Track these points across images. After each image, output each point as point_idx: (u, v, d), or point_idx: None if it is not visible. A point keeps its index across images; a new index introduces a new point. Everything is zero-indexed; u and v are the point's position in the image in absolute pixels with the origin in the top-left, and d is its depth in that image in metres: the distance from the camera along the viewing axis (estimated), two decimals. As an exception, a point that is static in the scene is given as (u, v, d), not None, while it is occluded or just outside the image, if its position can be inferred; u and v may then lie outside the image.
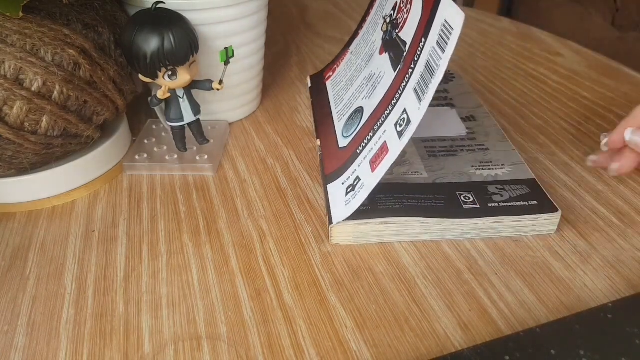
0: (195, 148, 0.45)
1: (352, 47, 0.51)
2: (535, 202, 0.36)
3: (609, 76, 0.58)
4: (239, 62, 0.46)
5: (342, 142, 0.41)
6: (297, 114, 0.52)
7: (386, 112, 0.36)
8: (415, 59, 0.35)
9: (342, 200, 0.36)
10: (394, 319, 0.31)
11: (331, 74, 0.52)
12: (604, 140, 0.40)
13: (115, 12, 0.42)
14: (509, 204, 0.36)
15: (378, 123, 0.37)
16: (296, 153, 0.46)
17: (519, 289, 0.33)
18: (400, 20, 0.41)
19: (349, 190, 0.36)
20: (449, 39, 0.31)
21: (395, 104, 0.36)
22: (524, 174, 0.39)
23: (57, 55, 0.35)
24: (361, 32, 0.50)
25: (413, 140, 0.43)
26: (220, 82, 0.41)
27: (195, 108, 0.42)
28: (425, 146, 0.42)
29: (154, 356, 0.29)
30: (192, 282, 0.33)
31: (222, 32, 0.44)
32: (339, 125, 0.43)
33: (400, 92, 0.36)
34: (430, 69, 0.32)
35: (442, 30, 0.32)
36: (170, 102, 0.41)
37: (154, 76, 0.39)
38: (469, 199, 0.37)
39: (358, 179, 0.36)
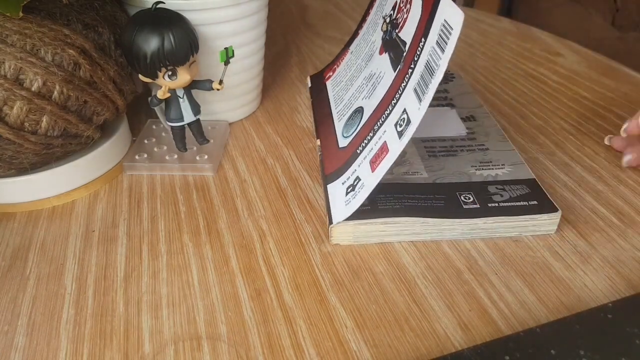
0: (195, 148, 0.45)
1: (352, 47, 0.51)
2: (535, 202, 0.36)
3: (609, 76, 0.58)
4: (239, 62, 0.46)
5: (342, 142, 0.41)
6: (297, 114, 0.52)
7: (386, 112, 0.36)
8: (415, 58, 0.35)
9: (342, 200, 0.36)
10: (394, 319, 0.31)
11: (331, 74, 0.52)
12: (624, 126, 0.42)
13: (115, 12, 0.42)
14: (509, 204, 0.36)
15: (378, 123, 0.37)
16: (296, 153, 0.46)
17: (519, 289, 0.33)
18: (400, 20, 0.41)
19: (349, 190, 0.36)
20: (448, 38, 0.31)
21: (396, 104, 0.36)
22: (524, 174, 0.39)
23: (57, 55, 0.35)
24: (361, 32, 0.50)
25: (413, 140, 0.43)
26: (220, 82, 0.41)
27: (195, 108, 0.42)
28: (425, 146, 0.42)
29: (154, 356, 0.29)
30: (192, 282, 0.33)
31: (222, 32, 0.44)
32: (339, 125, 0.43)
33: (400, 92, 0.36)
34: (430, 69, 0.32)
35: (441, 30, 0.32)
36: (170, 102, 0.41)
37: (154, 76, 0.39)
38: (469, 199, 0.37)
39: (358, 179, 0.36)
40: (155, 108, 0.42)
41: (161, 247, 0.36)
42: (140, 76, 0.40)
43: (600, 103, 0.53)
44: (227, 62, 0.41)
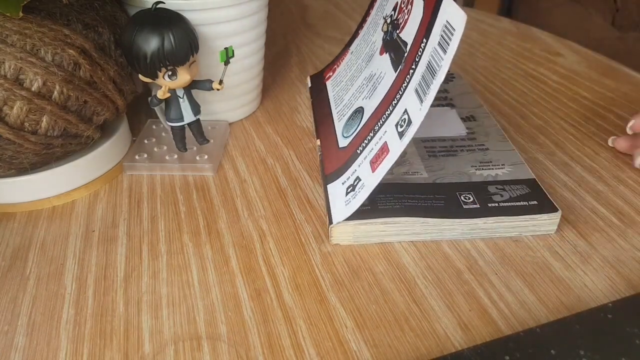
0: (195, 148, 0.45)
1: (352, 47, 0.51)
2: (535, 202, 0.36)
3: (609, 76, 0.58)
4: (239, 62, 0.46)
5: (342, 142, 0.41)
6: (297, 114, 0.52)
7: (387, 112, 0.36)
8: (417, 59, 0.35)
9: (342, 200, 0.36)
10: (394, 319, 0.31)
11: (331, 74, 0.52)
12: (630, 124, 0.42)
13: (115, 12, 0.42)
14: (509, 204, 0.36)
15: (379, 123, 0.37)
16: (296, 153, 0.46)
17: (519, 289, 0.33)
18: (401, 20, 0.41)
19: (349, 190, 0.36)
20: (450, 39, 0.31)
21: (396, 104, 0.36)
22: (524, 174, 0.39)
23: (57, 55, 0.35)
24: (361, 33, 0.50)
25: (413, 140, 0.43)
26: (220, 82, 0.41)
27: (195, 108, 0.42)
28: (425, 146, 0.42)
29: (154, 356, 0.29)
30: (192, 282, 0.33)
31: (222, 32, 0.44)
32: (339, 125, 0.43)
33: (401, 93, 0.36)
34: (431, 70, 0.32)
35: (443, 31, 0.32)
36: (170, 102, 0.41)
37: (154, 76, 0.39)
38: (469, 199, 0.37)
39: (358, 179, 0.36)
40: (155, 108, 0.42)
41: (161, 247, 0.36)
42: (140, 76, 0.40)
43: (600, 103, 0.53)
44: (227, 62, 0.41)
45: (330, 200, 0.37)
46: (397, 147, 0.33)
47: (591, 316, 0.29)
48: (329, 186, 0.39)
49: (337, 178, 0.38)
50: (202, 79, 0.42)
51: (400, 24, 0.40)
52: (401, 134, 0.33)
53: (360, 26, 0.51)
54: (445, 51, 0.31)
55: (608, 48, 0.71)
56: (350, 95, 0.45)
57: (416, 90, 0.33)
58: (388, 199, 0.36)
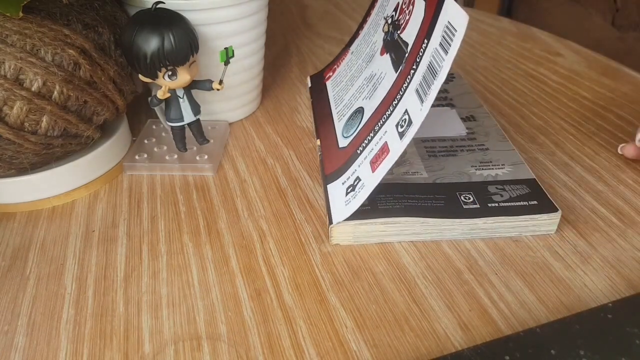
0: (195, 148, 0.45)
1: (352, 48, 0.51)
2: (535, 202, 0.36)
3: (609, 76, 0.58)
4: (239, 62, 0.46)
5: (342, 142, 0.41)
6: (297, 114, 0.52)
7: (387, 112, 0.36)
8: (418, 60, 0.35)
9: (342, 200, 0.36)
10: (394, 319, 0.31)
11: (331, 74, 0.52)
12: (639, 136, 0.42)
13: (115, 12, 0.42)
14: (509, 204, 0.36)
15: (379, 123, 0.37)
16: (296, 153, 0.46)
17: (519, 289, 0.33)
18: (402, 21, 0.41)
19: (349, 190, 0.36)
20: (452, 40, 0.31)
21: (397, 104, 0.36)
22: (524, 174, 0.39)
23: (57, 55, 0.35)
24: (362, 33, 0.50)
25: (413, 140, 0.43)
26: (220, 82, 0.41)
27: (195, 108, 0.42)
28: (425, 146, 0.42)
29: (154, 356, 0.29)
30: (192, 282, 0.33)
31: (222, 32, 0.44)
32: (339, 125, 0.43)
33: (401, 93, 0.36)
34: (432, 70, 0.32)
35: (445, 32, 0.32)
36: (170, 102, 0.41)
37: (154, 76, 0.39)
38: (469, 199, 0.37)
39: (358, 179, 0.36)
40: (155, 108, 0.42)
41: (161, 247, 0.36)
42: (140, 76, 0.40)
43: (600, 103, 0.53)
44: (227, 62, 0.41)
45: (330, 200, 0.37)
46: (397, 148, 0.33)
47: (591, 316, 0.29)
48: (329, 186, 0.39)
49: (337, 178, 0.38)
50: (202, 79, 0.42)
51: (402, 24, 0.40)
52: (401, 134, 0.33)
53: (360, 26, 0.51)
54: (446, 52, 0.31)
55: (608, 48, 0.71)
56: (351, 95, 0.45)
57: (417, 91, 0.33)
58: (388, 199, 0.36)
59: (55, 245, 0.36)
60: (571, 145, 0.46)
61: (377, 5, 0.49)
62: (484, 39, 0.68)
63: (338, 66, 0.51)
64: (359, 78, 0.45)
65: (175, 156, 0.44)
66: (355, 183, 0.36)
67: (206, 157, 0.44)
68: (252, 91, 0.51)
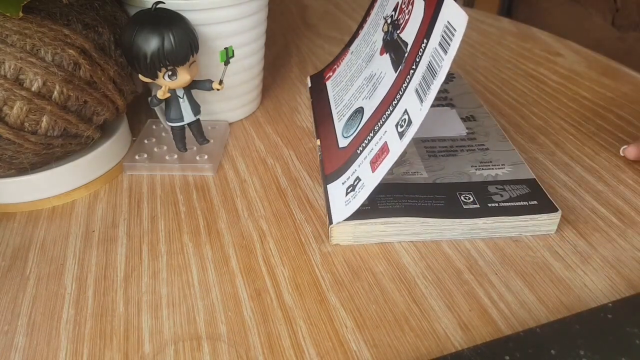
0: (195, 148, 0.45)
1: (352, 48, 0.51)
2: (535, 202, 0.36)
3: (609, 76, 0.58)
4: (239, 62, 0.46)
5: (342, 142, 0.41)
6: (297, 114, 0.52)
7: (387, 112, 0.36)
8: (417, 59, 0.35)
9: (342, 200, 0.36)
10: (394, 319, 0.31)
11: (331, 74, 0.52)
12: None
13: (115, 12, 0.42)
14: (509, 204, 0.36)
15: (379, 123, 0.37)
16: (296, 153, 0.46)
17: (519, 289, 0.33)
18: (402, 21, 0.41)
19: (349, 190, 0.36)
20: (451, 40, 0.31)
21: (397, 104, 0.36)
22: (524, 174, 0.39)
23: (57, 55, 0.35)
24: (362, 33, 0.50)
25: (413, 140, 0.43)
26: (220, 82, 0.41)
27: (195, 108, 0.42)
28: (425, 146, 0.42)
29: (154, 356, 0.29)
30: (192, 282, 0.33)
31: (222, 32, 0.44)
32: (339, 125, 0.43)
33: (401, 93, 0.36)
34: (432, 70, 0.32)
35: (444, 32, 0.32)
36: (170, 102, 0.41)
37: (154, 76, 0.39)
38: (469, 199, 0.37)
39: (358, 179, 0.36)
40: (155, 108, 0.42)
41: (161, 247, 0.36)
42: (140, 76, 0.40)
43: (600, 103, 0.53)
44: (227, 62, 0.41)
45: (330, 200, 0.37)
46: (397, 147, 0.33)
47: (591, 316, 0.29)
48: (329, 186, 0.39)
49: (337, 178, 0.38)
50: (202, 79, 0.42)
51: (401, 24, 0.40)
52: (401, 134, 0.33)
53: (360, 26, 0.51)
54: (445, 52, 0.31)
55: (608, 48, 0.71)
56: (350, 95, 0.45)
57: (416, 91, 0.33)
58: (388, 199, 0.36)
59: (55, 245, 0.36)
60: (571, 145, 0.46)
61: (377, 5, 0.49)
62: (484, 39, 0.68)
63: (338, 66, 0.51)
64: (359, 78, 0.45)
65: (175, 156, 0.44)
66: (355, 183, 0.36)
67: (206, 157, 0.44)
68: (252, 91, 0.51)
